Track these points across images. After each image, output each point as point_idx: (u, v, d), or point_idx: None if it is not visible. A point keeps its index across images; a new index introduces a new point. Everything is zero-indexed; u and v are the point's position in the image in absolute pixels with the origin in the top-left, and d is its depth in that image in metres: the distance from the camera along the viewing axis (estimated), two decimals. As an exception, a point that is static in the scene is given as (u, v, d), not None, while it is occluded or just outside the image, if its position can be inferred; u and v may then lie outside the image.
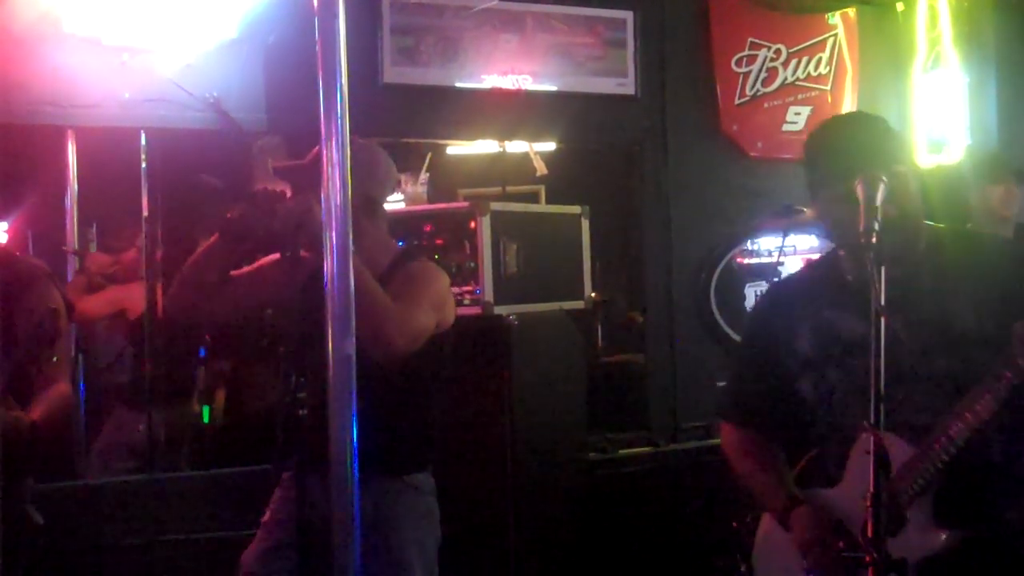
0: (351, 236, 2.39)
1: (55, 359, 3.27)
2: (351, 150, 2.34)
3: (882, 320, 2.00)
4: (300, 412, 2.81)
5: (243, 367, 5.33)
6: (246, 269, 3.22)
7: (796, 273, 2.86)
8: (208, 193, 4.54)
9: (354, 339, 2.38)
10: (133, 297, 5.15)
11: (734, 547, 4.19)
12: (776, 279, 5.30)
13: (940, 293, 2.40)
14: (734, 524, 4.19)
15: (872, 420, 1.96)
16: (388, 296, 2.91)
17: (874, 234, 2.07)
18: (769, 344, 2.63)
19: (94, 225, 5.82)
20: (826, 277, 2.59)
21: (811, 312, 2.52)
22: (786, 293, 2.73)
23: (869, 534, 1.94)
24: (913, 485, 2.33)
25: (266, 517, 3.24)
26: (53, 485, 3.88)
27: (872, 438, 1.93)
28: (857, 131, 2.49)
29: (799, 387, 2.56)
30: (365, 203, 3.02)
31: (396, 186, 4.01)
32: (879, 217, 2.10)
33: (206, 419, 5.12)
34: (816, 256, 5.55)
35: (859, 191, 2.16)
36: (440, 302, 3.12)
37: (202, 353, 5.08)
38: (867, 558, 1.94)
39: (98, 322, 5.40)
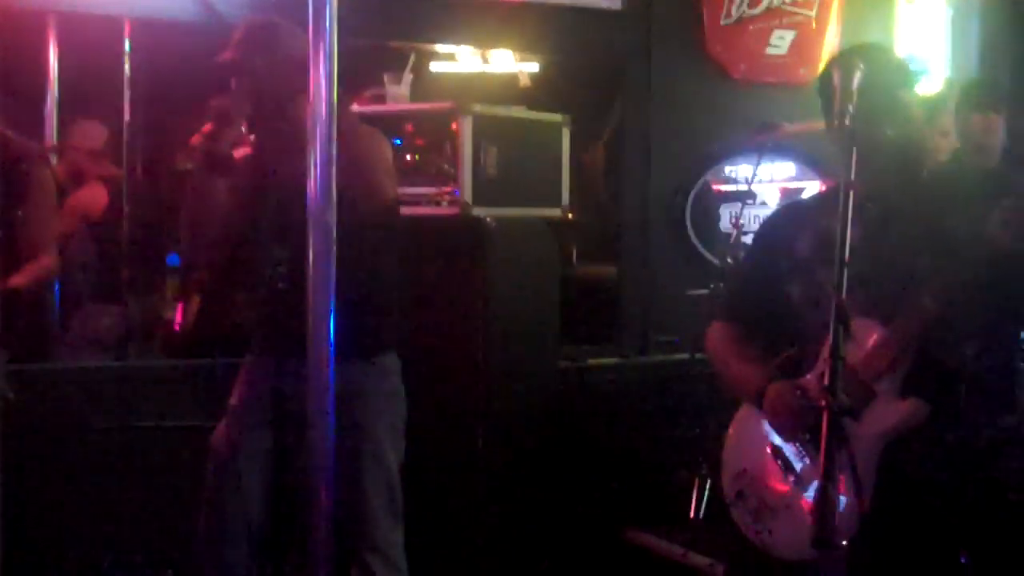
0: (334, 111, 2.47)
1: (38, 222, 3.30)
2: None
3: (850, 194, 2.09)
4: (280, 286, 2.84)
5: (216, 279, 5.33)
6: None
7: (812, 195, 2.99)
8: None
9: (335, 209, 2.43)
10: (95, 199, 5.14)
11: (698, 450, 4.30)
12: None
13: (938, 209, 2.48)
14: (697, 430, 4.32)
15: (835, 283, 2.04)
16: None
17: (848, 117, 2.13)
18: (769, 250, 2.73)
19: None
20: (834, 194, 2.65)
21: (813, 219, 2.60)
22: (796, 207, 2.92)
23: (826, 382, 2.02)
24: (882, 362, 2.41)
25: (234, 400, 3.27)
26: (28, 365, 3.91)
27: (834, 300, 2.02)
28: (864, 62, 2.47)
29: (789, 289, 2.64)
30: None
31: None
32: (854, 101, 2.15)
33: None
34: (795, 184, 5.68)
35: (835, 76, 2.21)
36: (392, 168, 3.18)
37: (173, 262, 5.07)
38: (821, 403, 2.02)
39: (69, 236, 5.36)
